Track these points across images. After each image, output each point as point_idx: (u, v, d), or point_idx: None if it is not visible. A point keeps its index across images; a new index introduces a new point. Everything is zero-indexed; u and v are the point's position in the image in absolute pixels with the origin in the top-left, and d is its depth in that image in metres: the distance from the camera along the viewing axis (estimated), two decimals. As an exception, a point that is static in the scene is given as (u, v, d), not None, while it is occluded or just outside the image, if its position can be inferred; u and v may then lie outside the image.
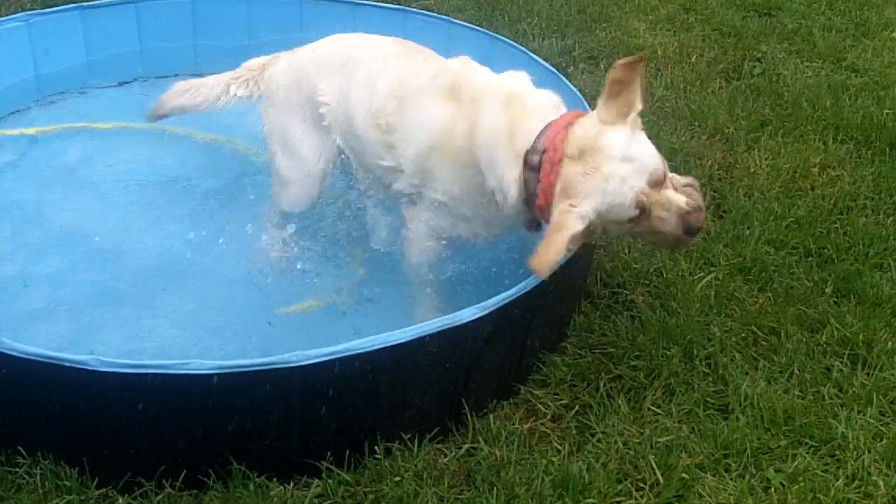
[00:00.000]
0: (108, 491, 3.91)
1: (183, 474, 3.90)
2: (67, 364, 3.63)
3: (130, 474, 3.90)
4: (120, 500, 3.89)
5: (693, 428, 4.29)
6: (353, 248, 5.23)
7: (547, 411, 4.38)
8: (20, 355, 3.66)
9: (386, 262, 5.04)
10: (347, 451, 4.01)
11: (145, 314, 4.88)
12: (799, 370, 4.60)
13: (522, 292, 4.10)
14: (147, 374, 3.63)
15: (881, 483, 4.05)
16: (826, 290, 5.11)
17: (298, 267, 5.08)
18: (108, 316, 4.87)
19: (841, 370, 4.62)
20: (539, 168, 4.05)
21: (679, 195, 4.00)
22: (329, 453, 3.99)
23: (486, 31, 6.45)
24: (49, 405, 3.82)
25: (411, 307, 4.78)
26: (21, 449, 3.93)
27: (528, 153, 4.09)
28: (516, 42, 6.41)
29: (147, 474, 3.90)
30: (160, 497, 3.89)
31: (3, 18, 6.47)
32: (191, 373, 3.64)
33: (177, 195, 5.69)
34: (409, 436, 4.10)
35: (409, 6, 6.34)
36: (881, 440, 4.26)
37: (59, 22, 6.60)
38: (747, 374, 4.57)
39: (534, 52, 6.17)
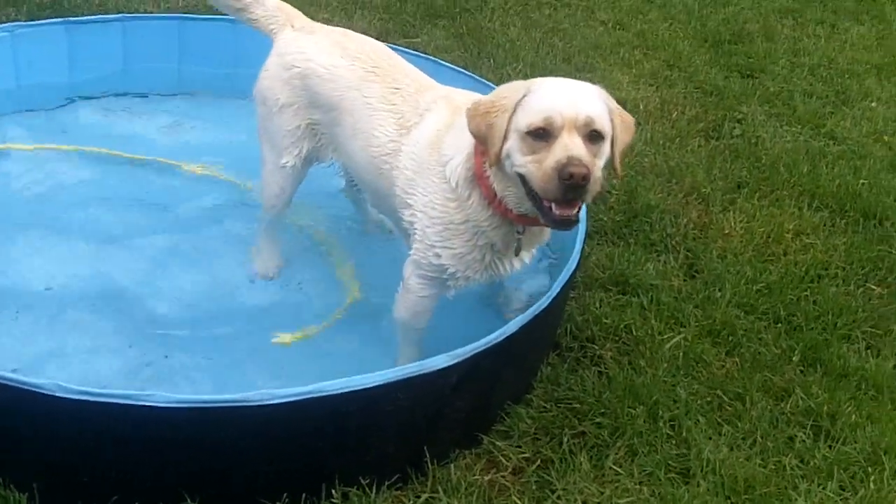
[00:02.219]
0: (57, 519, 3.86)
1: (135, 506, 3.86)
2: (25, 387, 3.59)
3: (81, 502, 3.85)
4: (70, 529, 3.85)
5: (653, 491, 4.27)
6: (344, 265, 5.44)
7: (508, 464, 4.35)
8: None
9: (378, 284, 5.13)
10: (304, 494, 3.96)
11: (136, 339, 4.87)
12: (762, 438, 4.60)
13: (494, 342, 4.09)
14: (106, 402, 3.58)
15: (838, 559, 4.05)
16: (793, 358, 5.11)
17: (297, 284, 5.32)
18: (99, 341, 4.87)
19: (804, 441, 4.61)
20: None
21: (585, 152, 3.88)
22: (285, 494, 3.94)
23: (472, 75, 6.45)
24: (2, 428, 3.78)
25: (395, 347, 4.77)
26: (-30, 472, 3.89)
27: None
28: (500, 87, 6.42)
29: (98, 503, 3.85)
30: (111, 528, 3.84)
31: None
32: (152, 405, 3.59)
33: (157, 221, 5.75)
34: (368, 481, 4.06)
35: (394, 43, 6.32)
36: (840, 515, 4.26)
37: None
38: (710, 438, 4.55)
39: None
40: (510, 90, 4.04)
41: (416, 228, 4.39)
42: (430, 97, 4.54)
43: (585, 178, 3.77)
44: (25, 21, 7.13)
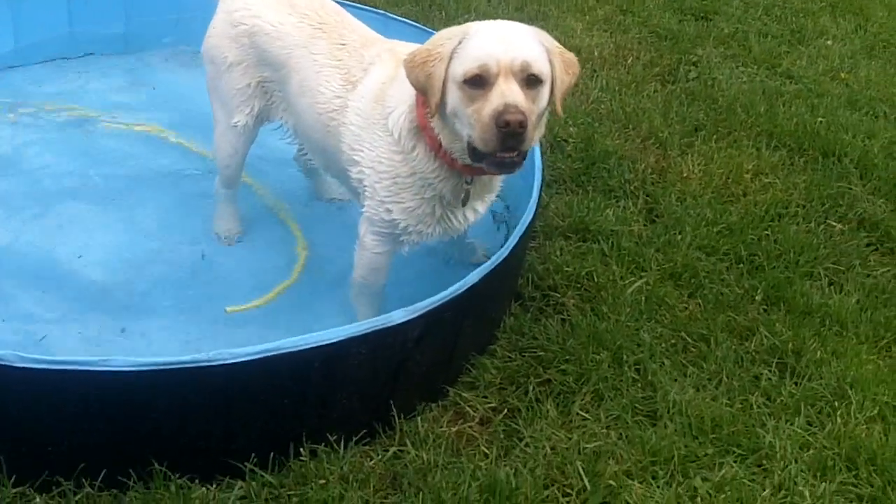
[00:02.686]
0: (24, 489, 3.83)
1: (103, 474, 3.81)
2: (-17, 359, 3.55)
3: (48, 473, 3.81)
4: (37, 499, 3.81)
5: (621, 434, 4.28)
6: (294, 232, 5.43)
7: (475, 414, 4.34)
8: (-66, 349, 3.56)
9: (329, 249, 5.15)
10: (272, 453, 3.94)
11: (96, 312, 4.81)
12: (728, 378, 4.61)
13: (454, 295, 4.07)
14: (66, 370, 3.55)
15: (807, 493, 4.06)
16: (756, 297, 5.12)
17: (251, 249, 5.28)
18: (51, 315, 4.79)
19: (769, 379, 4.63)
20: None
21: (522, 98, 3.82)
22: (253, 454, 3.93)
23: (423, 27, 6.39)
24: (-35, 401, 3.74)
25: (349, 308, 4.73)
26: (-65, 445, 3.84)
27: None
28: (453, 39, 6.36)
29: (65, 473, 3.81)
30: (79, 496, 3.81)
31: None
32: (112, 370, 3.55)
33: (119, 188, 5.67)
34: (336, 438, 4.05)
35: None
36: (808, 450, 4.27)
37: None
38: (676, 380, 4.56)
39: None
40: (446, 37, 3.96)
41: (365, 185, 4.34)
42: (375, 51, 4.47)
43: (522, 124, 3.71)
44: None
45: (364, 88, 4.35)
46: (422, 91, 3.98)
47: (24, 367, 3.53)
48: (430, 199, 4.25)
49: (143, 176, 5.75)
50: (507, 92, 3.75)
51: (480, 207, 4.44)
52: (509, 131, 3.71)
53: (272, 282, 5.05)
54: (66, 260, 5.08)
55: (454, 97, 3.87)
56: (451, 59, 3.87)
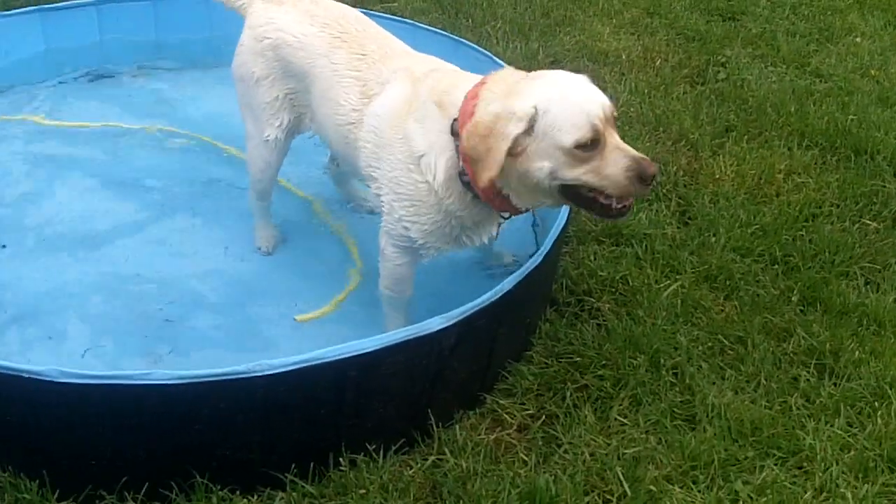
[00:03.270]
0: (68, 503, 3.85)
1: (145, 487, 3.84)
2: (25, 375, 3.57)
3: (91, 487, 3.84)
4: (80, 513, 3.84)
5: (660, 439, 4.26)
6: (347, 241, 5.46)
7: (513, 421, 4.34)
8: (-23, 367, 3.59)
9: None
10: (312, 464, 3.95)
11: (158, 322, 4.85)
12: (766, 380, 4.58)
13: (488, 302, 4.07)
14: (107, 384, 3.57)
15: (849, 495, 4.03)
16: (792, 298, 5.09)
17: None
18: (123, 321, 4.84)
19: (808, 380, 4.60)
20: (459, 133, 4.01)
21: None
22: (293, 465, 3.94)
23: (450, 35, 6.41)
24: (7, 416, 3.76)
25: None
26: (-21, 461, 3.86)
27: (454, 122, 4.06)
28: (480, 46, 6.37)
29: (108, 487, 3.84)
30: (121, 510, 3.84)
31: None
32: (152, 383, 3.57)
33: (171, 197, 5.73)
34: (375, 447, 4.05)
35: (371, 9, 6.28)
36: (849, 451, 4.24)
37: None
38: (714, 383, 4.54)
39: (498, 56, 6.14)
40: (515, 116, 3.82)
41: (383, 201, 4.35)
42: (393, 66, 4.45)
43: (657, 170, 3.86)
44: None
45: (379, 107, 4.34)
46: (475, 158, 3.88)
47: (65, 382, 3.55)
48: (453, 224, 4.27)
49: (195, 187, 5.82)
50: (623, 146, 3.87)
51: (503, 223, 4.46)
52: (651, 175, 3.85)
53: (331, 288, 5.07)
54: (113, 273, 5.12)
55: (561, 163, 3.86)
56: (536, 135, 3.84)
